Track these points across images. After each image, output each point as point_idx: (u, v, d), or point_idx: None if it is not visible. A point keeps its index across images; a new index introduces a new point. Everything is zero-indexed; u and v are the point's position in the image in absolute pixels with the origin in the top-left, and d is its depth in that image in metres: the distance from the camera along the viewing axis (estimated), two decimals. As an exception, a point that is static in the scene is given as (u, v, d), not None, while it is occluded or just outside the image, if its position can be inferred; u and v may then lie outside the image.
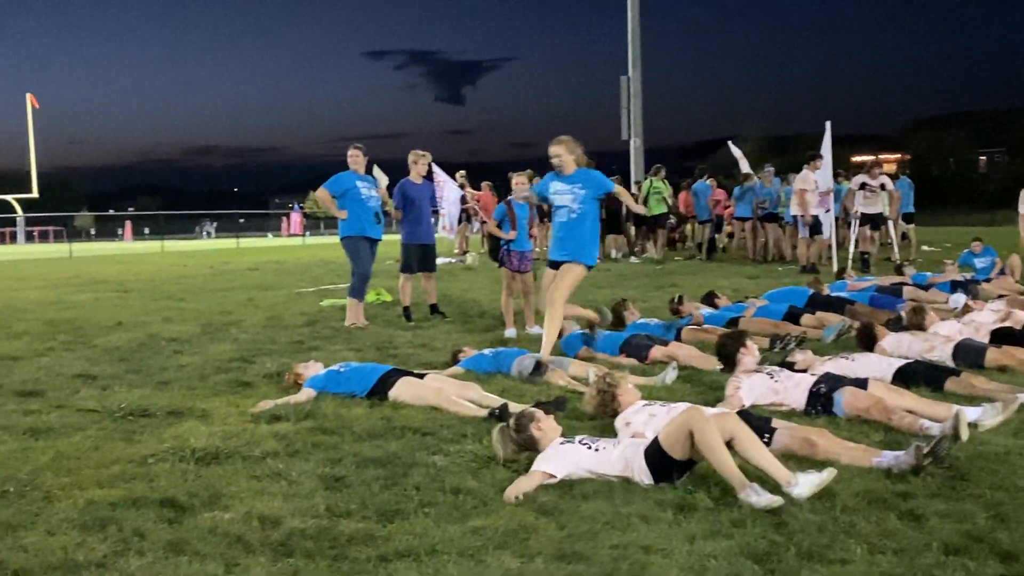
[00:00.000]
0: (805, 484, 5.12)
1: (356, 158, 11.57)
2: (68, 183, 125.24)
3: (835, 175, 19.94)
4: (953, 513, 5.05)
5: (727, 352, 7.93)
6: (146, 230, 68.11)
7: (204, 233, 68.69)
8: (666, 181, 22.60)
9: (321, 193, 11.42)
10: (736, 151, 23.71)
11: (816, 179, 18.48)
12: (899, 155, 79.62)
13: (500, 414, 6.76)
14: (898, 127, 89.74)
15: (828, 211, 18.71)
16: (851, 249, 17.99)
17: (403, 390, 7.42)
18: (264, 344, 10.36)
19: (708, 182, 23.09)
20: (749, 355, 7.77)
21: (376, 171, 11.85)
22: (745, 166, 22.89)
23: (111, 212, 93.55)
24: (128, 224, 71.04)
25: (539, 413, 5.87)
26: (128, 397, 7.79)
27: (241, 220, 73.85)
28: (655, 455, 5.43)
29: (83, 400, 7.79)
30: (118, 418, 7.11)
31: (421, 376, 7.81)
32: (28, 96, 51.70)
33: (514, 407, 6.73)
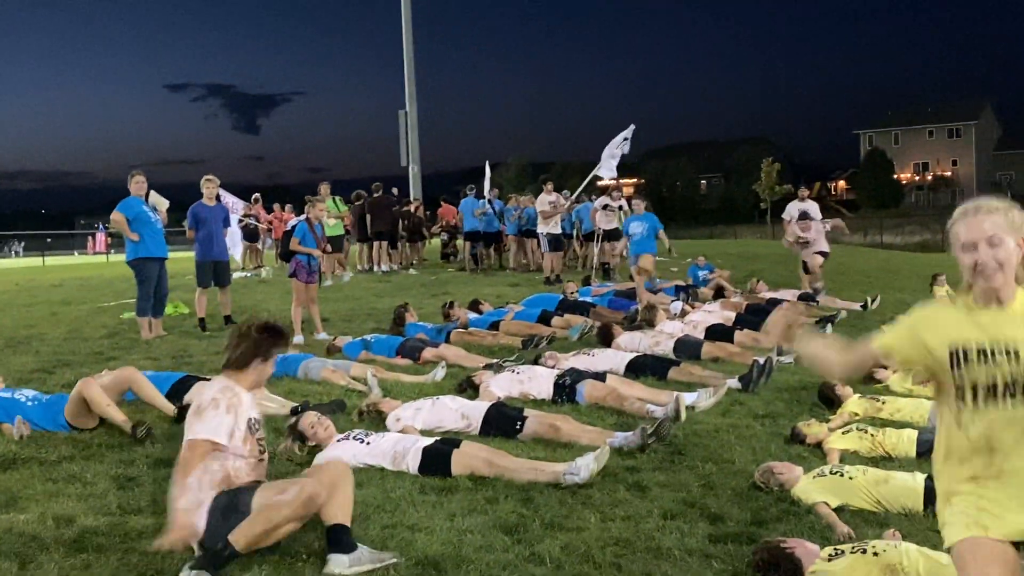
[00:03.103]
0: (583, 468, 5.19)
1: (141, 185, 11.08)
2: None
3: (579, 197, 20.41)
4: (672, 483, 5.28)
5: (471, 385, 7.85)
6: (-46, 251, 63.30)
7: (12, 252, 64.24)
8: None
9: (117, 216, 10.86)
10: (488, 173, 23.75)
11: (551, 200, 18.81)
12: (636, 179, 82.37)
13: (303, 410, 6.65)
14: (635, 156, 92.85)
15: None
16: (594, 260, 18.37)
17: (194, 392, 7.13)
18: (65, 355, 9.75)
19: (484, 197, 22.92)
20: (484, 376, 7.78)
21: (154, 195, 11.35)
22: (486, 188, 22.92)
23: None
24: (-64, 245, 65.88)
25: (314, 419, 5.78)
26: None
27: (48, 240, 69.54)
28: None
29: None
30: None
31: (207, 380, 7.54)
32: None
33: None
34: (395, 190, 23.48)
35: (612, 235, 18.63)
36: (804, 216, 14.88)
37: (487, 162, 24.73)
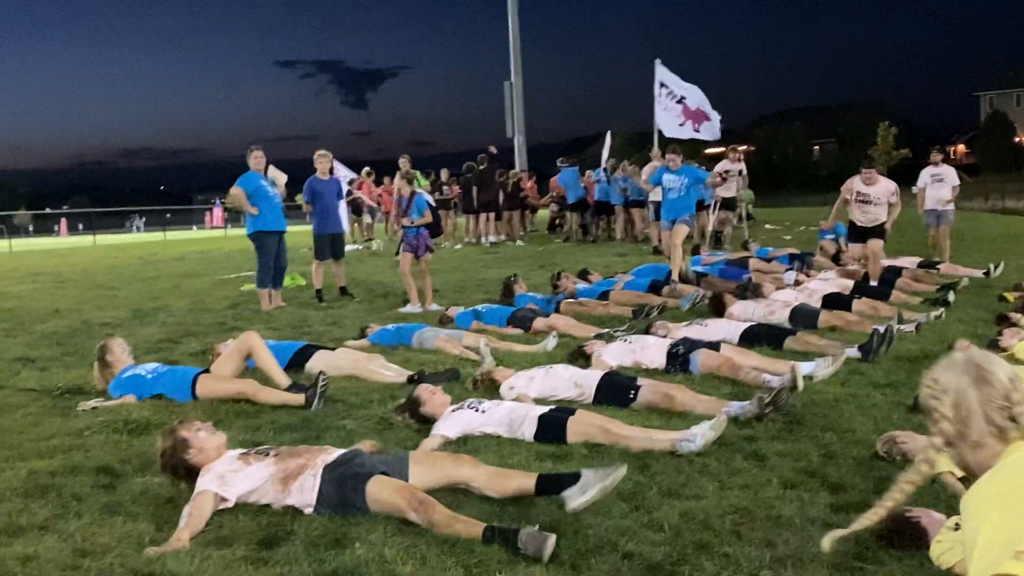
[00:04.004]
0: (699, 436, 5.18)
1: (259, 160, 11.37)
2: (8, 185, 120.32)
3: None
4: (791, 452, 5.22)
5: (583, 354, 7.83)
6: (80, 226, 65.85)
7: (134, 227, 66.59)
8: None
9: (236, 191, 11.19)
10: (608, 142, 23.54)
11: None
12: (745, 146, 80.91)
13: (420, 378, 6.79)
14: (744, 122, 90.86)
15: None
16: (710, 227, 18.10)
17: (319, 362, 7.35)
18: (189, 326, 10.13)
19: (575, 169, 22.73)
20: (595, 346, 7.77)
21: (272, 170, 11.65)
22: (604, 157, 22.66)
23: (47, 210, 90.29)
24: (63, 221, 68.61)
25: (423, 395, 5.84)
26: (65, 377, 7.58)
27: (167, 215, 71.85)
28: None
29: (23, 381, 7.55)
30: (55, 396, 6.92)
31: (333, 349, 7.77)
32: None
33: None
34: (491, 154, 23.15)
35: (729, 203, 18.38)
36: (938, 180, 14.49)
37: (608, 131, 24.48)
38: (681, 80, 17.87)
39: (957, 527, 3.77)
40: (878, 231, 11.72)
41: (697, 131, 17.83)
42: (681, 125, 17.78)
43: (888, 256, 14.17)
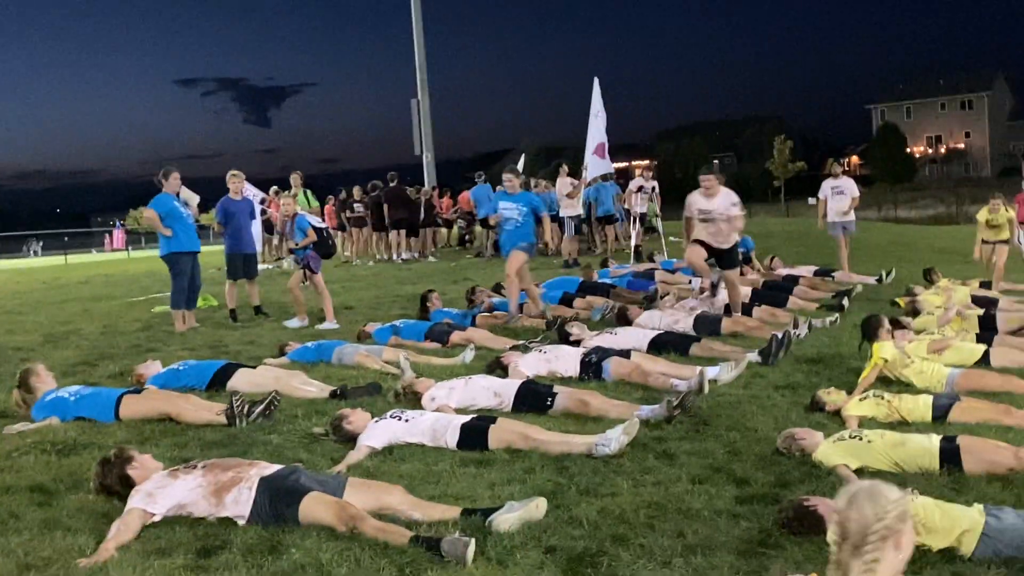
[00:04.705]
0: (614, 440, 5.45)
1: (175, 180, 11.37)
2: None
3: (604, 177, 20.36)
4: (698, 451, 5.56)
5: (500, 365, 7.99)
6: (-28, 252, 63.87)
7: (31, 252, 64.68)
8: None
9: (149, 213, 11.14)
10: (521, 161, 24.09)
11: (571, 183, 18.92)
12: (648, 160, 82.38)
13: (342, 393, 6.98)
14: (645, 136, 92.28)
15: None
16: (633, 241, 18.36)
17: (241, 380, 7.44)
18: (104, 349, 10.06)
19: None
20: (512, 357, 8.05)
21: (184, 191, 11.62)
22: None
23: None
24: (-46, 246, 66.45)
25: (345, 412, 6.01)
26: (-16, 402, 7.52)
27: (65, 238, 70.00)
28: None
29: (-59, 407, 7.47)
30: (-22, 421, 6.88)
31: (254, 368, 7.87)
32: None
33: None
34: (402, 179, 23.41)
35: (642, 219, 18.90)
36: (839, 192, 14.97)
37: (521, 150, 24.90)
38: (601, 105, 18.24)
39: None
40: (731, 255, 10.37)
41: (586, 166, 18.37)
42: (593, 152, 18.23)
43: (786, 265, 14.79)
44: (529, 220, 10.89)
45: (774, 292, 11.70)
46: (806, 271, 14.07)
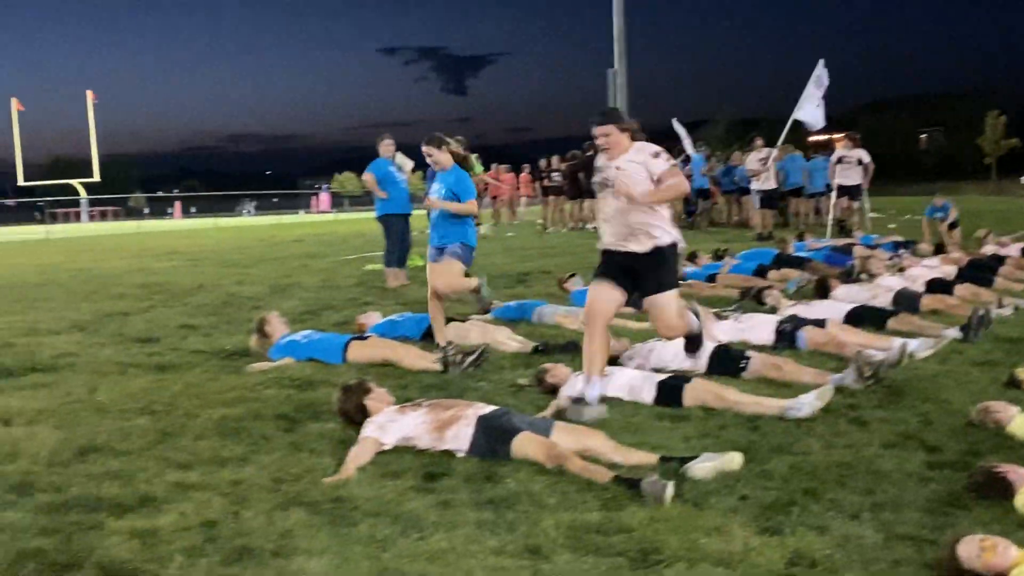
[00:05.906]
0: (807, 404, 5.62)
1: (389, 147, 12.07)
2: (124, 168, 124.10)
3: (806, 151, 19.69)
4: (891, 419, 5.67)
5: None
6: (192, 209, 68.35)
7: (245, 212, 68.62)
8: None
9: (367, 176, 11.94)
10: (680, 130, 23.43)
11: (760, 157, 18.60)
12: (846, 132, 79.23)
13: (544, 348, 7.43)
14: (847, 109, 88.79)
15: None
16: (830, 216, 17.93)
17: (451, 332, 7.99)
18: (326, 300, 10.92)
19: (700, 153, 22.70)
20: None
21: (400, 157, 12.28)
22: (688, 146, 22.57)
23: (160, 193, 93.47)
24: (177, 204, 71.29)
25: (548, 366, 6.43)
26: (230, 341, 8.42)
27: (275, 200, 73.91)
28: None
29: (193, 344, 8.41)
30: (223, 358, 7.74)
31: (463, 321, 8.43)
32: (13, 101, 50.79)
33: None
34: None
35: (849, 191, 18.18)
36: None
37: (674, 120, 23.96)
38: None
39: None
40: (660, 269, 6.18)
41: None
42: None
43: (996, 242, 14.23)
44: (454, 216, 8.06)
45: (979, 271, 11.37)
46: (1013, 250, 13.52)
